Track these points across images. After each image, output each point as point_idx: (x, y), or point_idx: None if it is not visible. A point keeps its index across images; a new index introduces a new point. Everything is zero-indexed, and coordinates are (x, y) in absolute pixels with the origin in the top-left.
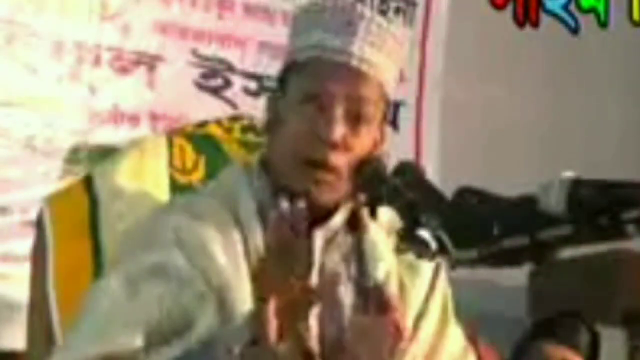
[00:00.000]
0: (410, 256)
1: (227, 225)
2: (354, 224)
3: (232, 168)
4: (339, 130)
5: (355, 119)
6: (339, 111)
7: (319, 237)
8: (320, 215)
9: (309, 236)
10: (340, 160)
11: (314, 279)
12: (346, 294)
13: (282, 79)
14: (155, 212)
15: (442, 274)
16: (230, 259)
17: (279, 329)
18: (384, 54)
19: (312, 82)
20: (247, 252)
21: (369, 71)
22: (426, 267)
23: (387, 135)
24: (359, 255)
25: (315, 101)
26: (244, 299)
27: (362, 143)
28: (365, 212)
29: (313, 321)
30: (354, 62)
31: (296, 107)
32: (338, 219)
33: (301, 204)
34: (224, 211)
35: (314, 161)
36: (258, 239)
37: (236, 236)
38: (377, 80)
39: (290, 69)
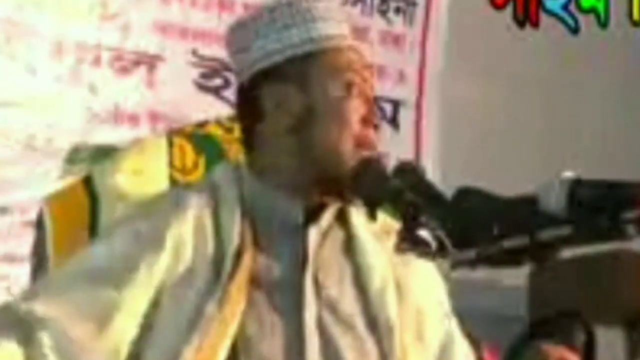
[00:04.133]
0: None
1: (202, 213)
2: (344, 221)
3: (223, 164)
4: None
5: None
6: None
7: (313, 232)
8: (313, 212)
9: (304, 231)
10: None
11: (310, 271)
12: (344, 291)
13: (285, 74)
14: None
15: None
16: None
17: None
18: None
19: (346, 73)
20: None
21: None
22: (421, 264)
23: None
24: (351, 252)
25: (352, 89)
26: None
27: None
28: (351, 209)
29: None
30: (353, 43)
31: (338, 100)
32: (329, 215)
33: None
34: (203, 200)
35: (364, 143)
36: (235, 231)
37: (208, 224)
38: None
39: (295, 63)
